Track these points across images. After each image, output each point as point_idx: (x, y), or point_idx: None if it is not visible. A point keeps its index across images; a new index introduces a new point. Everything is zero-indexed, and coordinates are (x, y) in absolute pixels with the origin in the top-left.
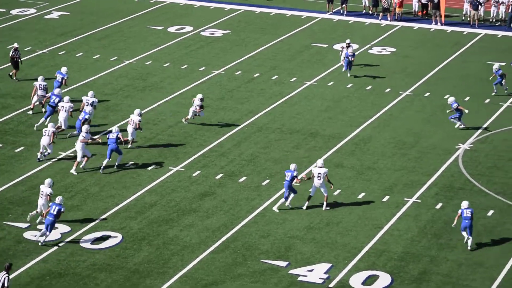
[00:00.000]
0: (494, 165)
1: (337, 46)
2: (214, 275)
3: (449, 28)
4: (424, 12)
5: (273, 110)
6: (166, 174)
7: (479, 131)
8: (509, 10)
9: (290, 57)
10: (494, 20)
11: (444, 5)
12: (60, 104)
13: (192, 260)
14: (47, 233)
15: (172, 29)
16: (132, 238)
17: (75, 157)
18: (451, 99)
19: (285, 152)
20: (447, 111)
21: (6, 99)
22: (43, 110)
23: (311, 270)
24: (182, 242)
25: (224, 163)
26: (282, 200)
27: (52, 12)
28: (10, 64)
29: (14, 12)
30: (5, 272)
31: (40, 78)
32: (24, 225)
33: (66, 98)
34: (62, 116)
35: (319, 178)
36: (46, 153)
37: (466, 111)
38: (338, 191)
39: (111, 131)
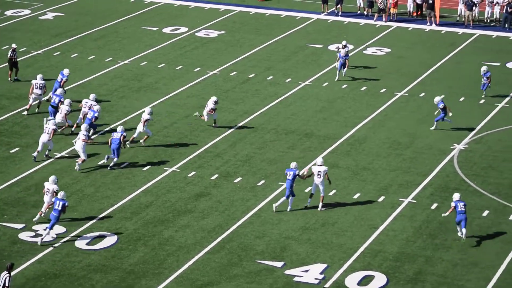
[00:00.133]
0: (489, 166)
1: (332, 47)
2: (210, 276)
3: (444, 29)
4: (419, 12)
5: (268, 110)
6: (162, 175)
7: (474, 131)
8: (504, 11)
9: (285, 58)
10: (488, 21)
11: (439, 6)
12: (60, 106)
13: (187, 261)
14: (49, 230)
15: (167, 30)
16: (127, 239)
17: (73, 156)
18: (437, 99)
19: (280, 153)
20: (435, 113)
21: (0, 100)
22: (36, 110)
23: (307, 271)
24: (178, 243)
25: (219, 164)
26: (283, 198)
27: (47, 13)
28: (6, 64)
29: (8, 13)
30: (7, 272)
31: (38, 76)
32: (19, 226)
33: (67, 101)
34: (59, 117)
35: (319, 176)
36: (46, 152)
37: (450, 114)
38: (334, 191)
39: (115, 130)
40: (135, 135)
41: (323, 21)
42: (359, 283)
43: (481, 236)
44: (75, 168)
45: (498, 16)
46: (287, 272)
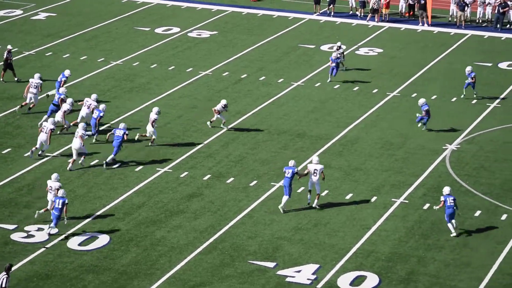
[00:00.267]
0: (481, 166)
1: (324, 47)
2: (202, 276)
3: (436, 29)
4: (411, 13)
5: (261, 111)
6: (154, 175)
7: (466, 131)
8: (495, 11)
9: (277, 58)
10: (480, 21)
11: (431, 6)
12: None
13: (179, 261)
14: (53, 226)
15: (159, 30)
16: (119, 239)
17: (69, 154)
18: (422, 101)
19: (272, 153)
20: (417, 115)
21: None
22: (27, 111)
23: (299, 271)
24: (170, 243)
25: (211, 164)
26: (286, 197)
27: (39, 13)
28: (1, 64)
29: (0, 13)
30: (5, 273)
31: (36, 75)
32: (11, 227)
33: (69, 100)
34: (59, 115)
35: (315, 174)
36: (40, 152)
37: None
38: (326, 191)
39: (109, 130)
40: (147, 134)
41: (315, 21)
42: (351, 284)
43: (473, 236)
44: (67, 168)
45: (490, 17)
46: (280, 272)
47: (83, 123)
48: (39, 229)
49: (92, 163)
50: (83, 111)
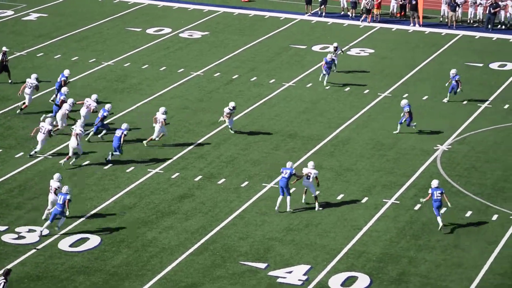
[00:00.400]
0: (472, 166)
1: (315, 48)
2: (193, 277)
3: (427, 29)
4: (402, 13)
5: (252, 111)
6: (145, 176)
7: (457, 132)
8: (487, 11)
9: (269, 59)
10: (471, 21)
11: (422, 7)
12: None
13: (171, 262)
14: (50, 222)
15: (150, 31)
16: (110, 241)
17: (65, 153)
18: (404, 102)
19: (264, 154)
20: (402, 114)
21: None
22: (18, 111)
23: (290, 272)
24: (161, 244)
25: (203, 165)
26: (289, 198)
27: (30, 14)
28: None
29: None
30: (3, 278)
31: (32, 76)
32: (2, 228)
33: (69, 101)
34: (59, 115)
35: (308, 178)
36: (32, 152)
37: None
38: (317, 192)
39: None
40: (154, 137)
41: (307, 22)
42: (342, 284)
43: (464, 236)
44: (60, 161)
45: (481, 17)
46: (271, 273)
47: (80, 121)
48: (30, 231)
49: (83, 164)
50: (83, 111)
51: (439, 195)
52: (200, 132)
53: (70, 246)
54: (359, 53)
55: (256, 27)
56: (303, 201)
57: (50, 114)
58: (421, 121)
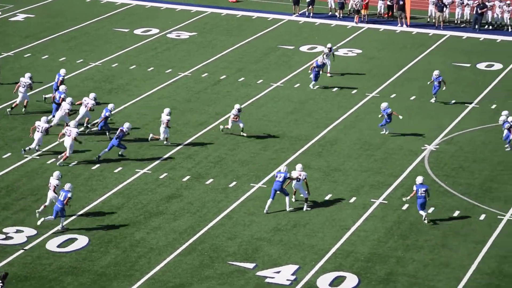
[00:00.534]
0: (459, 166)
1: (303, 48)
2: (181, 278)
3: (415, 30)
4: (390, 14)
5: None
6: (133, 177)
7: (445, 132)
8: (474, 12)
9: (257, 59)
10: (459, 22)
11: (409, 7)
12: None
13: (159, 263)
14: (53, 218)
15: (138, 31)
16: (99, 241)
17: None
18: (384, 104)
19: (252, 154)
20: (379, 116)
21: None
22: (7, 110)
23: (278, 272)
24: (149, 245)
25: (191, 165)
26: (288, 198)
27: (17, 14)
28: None
29: None
30: (0, 282)
31: (26, 75)
32: None
33: (68, 99)
34: (59, 114)
35: (298, 180)
36: (27, 148)
37: (400, 117)
38: (305, 192)
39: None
40: (161, 137)
41: (295, 22)
42: (330, 284)
43: (452, 236)
44: (58, 163)
45: (468, 17)
46: (259, 273)
47: (74, 121)
48: (18, 231)
49: (71, 165)
50: (82, 110)
51: (424, 192)
52: (188, 133)
53: (58, 246)
54: (347, 53)
55: (243, 28)
56: (293, 199)
57: (51, 116)
58: (408, 121)
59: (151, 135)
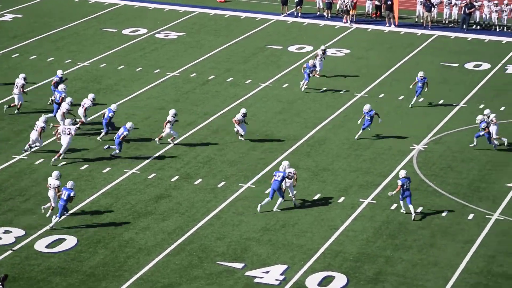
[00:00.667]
0: (448, 166)
1: (291, 48)
2: (170, 278)
3: (403, 30)
4: (378, 14)
5: (229, 112)
6: (121, 177)
7: (433, 132)
8: (462, 12)
9: (245, 59)
10: (447, 22)
11: (398, 7)
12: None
13: (148, 263)
14: (58, 218)
15: (126, 31)
16: (87, 241)
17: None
18: (367, 107)
19: (240, 154)
20: (359, 120)
21: None
22: (4, 109)
23: (267, 272)
24: (138, 245)
25: (179, 166)
26: (281, 200)
27: (5, 14)
28: None
29: None
30: (0, 284)
31: (21, 75)
32: None
33: (68, 99)
34: (59, 114)
35: (290, 178)
36: (34, 146)
37: (380, 120)
38: (294, 192)
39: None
40: (163, 135)
41: (283, 22)
42: (319, 284)
43: (440, 236)
44: (53, 159)
45: (456, 17)
46: (248, 273)
47: (70, 119)
48: (6, 232)
49: (59, 165)
50: (80, 111)
51: (408, 184)
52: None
53: (47, 247)
54: (335, 53)
55: (232, 28)
56: (283, 199)
57: (50, 114)
58: (397, 121)
59: (157, 140)
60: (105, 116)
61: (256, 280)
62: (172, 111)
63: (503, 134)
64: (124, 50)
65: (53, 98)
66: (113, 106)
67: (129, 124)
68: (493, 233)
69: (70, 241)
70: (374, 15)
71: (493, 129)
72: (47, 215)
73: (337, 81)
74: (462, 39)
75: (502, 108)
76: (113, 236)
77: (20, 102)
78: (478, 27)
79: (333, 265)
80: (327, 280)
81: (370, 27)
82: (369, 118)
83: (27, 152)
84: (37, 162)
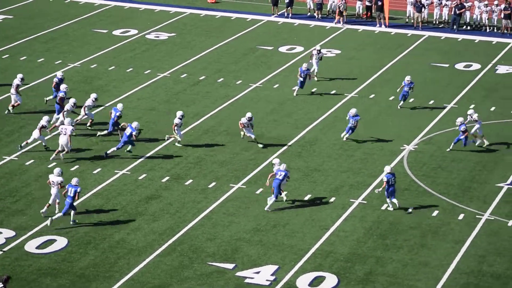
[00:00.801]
0: (438, 166)
1: (282, 49)
2: (161, 278)
3: (393, 30)
4: (368, 14)
5: (219, 112)
6: (112, 178)
7: (423, 132)
8: (452, 12)
9: (236, 60)
10: (437, 22)
11: (388, 8)
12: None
13: (138, 264)
14: (62, 214)
15: (117, 32)
16: (77, 242)
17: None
18: (353, 111)
19: (231, 155)
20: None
21: None
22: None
23: (258, 272)
24: (129, 246)
25: (170, 166)
26: (274, 199)
27: None
28: None
29: None
30: (2, 285)
31: (18, 75)
32: None
33: (71, 100)
34: (61, 114)
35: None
36: (44, 144)
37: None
38: (285, 192)
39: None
40: (178, 138)
41: (273, 23)
42: (310, 284)
43: (431, 236)
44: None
45: (446, 18)
46: (239, 273)
47: (69, 119)
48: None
49: (49, 166)
50: (83, 112)
51: (393, 180)
52: (167, 133)
53: (37, 248)
54: (326, 54)
55: (222, 29)
56: (275, 199)
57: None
58: (387, 121)
59: (167, 136)
60: (113, 116)
61: (247, 280)
62: (179, 113)
63: (493, 134)
64: (115, 51)
65: (48, 98)
66: (119, 106)
67: (135, 124)
68: (483, 233)
69: (61, 242)
70: (365, 16)
71: (476, 128)
72: (42, 210)
73: (327, 82)
74: (452, 39)
75: (492, 109)
76: (104, 237)
77: (18, 102)
78: (469, 27)
79: (324, 265)
80: (318, 280)
81: (361, 27)
82: (354, 123)
83: (4, 159)
84: (27, 163)
